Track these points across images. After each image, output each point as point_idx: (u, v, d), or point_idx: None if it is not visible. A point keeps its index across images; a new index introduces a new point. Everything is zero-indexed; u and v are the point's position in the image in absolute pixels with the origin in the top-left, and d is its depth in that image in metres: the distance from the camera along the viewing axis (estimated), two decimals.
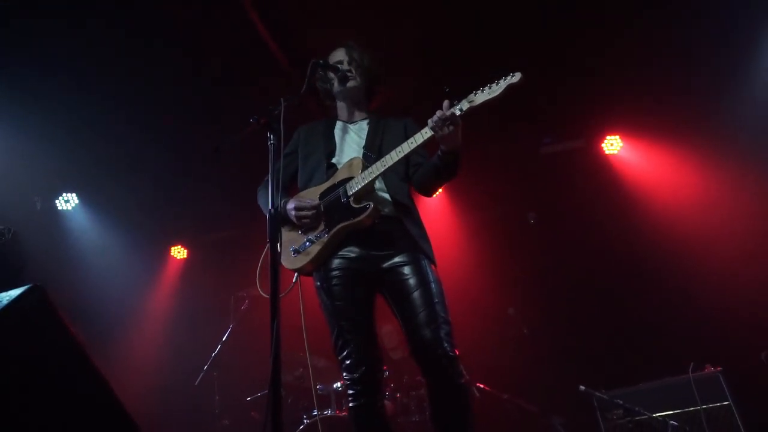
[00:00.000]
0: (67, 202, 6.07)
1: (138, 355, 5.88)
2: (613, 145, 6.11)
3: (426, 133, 2.35)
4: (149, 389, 5.57)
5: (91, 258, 5.94)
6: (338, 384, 4.34)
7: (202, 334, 5.49)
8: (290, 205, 2.54)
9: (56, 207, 6.04)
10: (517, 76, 2.23)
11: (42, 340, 1.01)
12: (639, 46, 5.06)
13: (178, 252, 6.88)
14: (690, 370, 4.05)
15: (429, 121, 2.31)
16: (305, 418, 4.20)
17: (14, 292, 1.03)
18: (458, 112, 2.28)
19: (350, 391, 2.38)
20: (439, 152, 2.40)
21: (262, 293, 2.33)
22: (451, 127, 2.28)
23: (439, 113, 2.28)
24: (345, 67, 2.71)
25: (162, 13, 4.37)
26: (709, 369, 4.07)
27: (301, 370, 4.53)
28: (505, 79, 2.25)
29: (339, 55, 2.76)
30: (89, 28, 4.38)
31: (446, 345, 2.29)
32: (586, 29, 4.92)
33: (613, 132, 6.10)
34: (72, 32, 4.38)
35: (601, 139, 6.12)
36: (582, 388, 4.17)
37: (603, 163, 6.09)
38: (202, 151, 5.10)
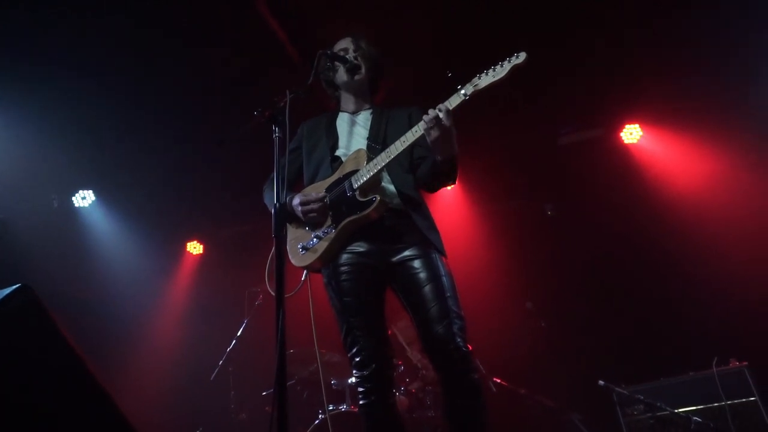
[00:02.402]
0: (84, 199, 6.12)
1: (154, 350, 5.92)
2: (632, 134, 5.96)
3: None
4: (165, 384, 5.62)
5: (108, 254, 5.99)
6: (353, 379, 4.29)
7: (218, 329, 5.52)
8: (296, 201, 2.49)
9: (73, 204, 6.09)
10: (522, 56, 2.13)
11: (31, 341, 0.98)
12: (659, 33, 4.91)
13: (194, 248, 6.91)
14: (714, 364, 3.94)
15: (423, 116, 2.22)
16: (320, 413, 4.18)
17: (1, 292, 1.00)
18: (463, 97, 2.19)
19: (361, 389, 2.33)
20: (436, 160, 2.30)
21: (270, 291, 2.28)
22: (442, 125, 2.17)
23: (431, 111, 2.19)
24: (351, 55, 2.65)
25: (173, 9, 4.36)
26: (734, 363, 3.97)
27: (316, 365, 4.50)
28: (509, 61, 2.15)
29: (344, 44, 2.70)
30: (103, 25, 4.38)
31: (459, 340, 2.23)
32: (604, 16, 4.79)
33: (632, 121, 5.94)
34: (86, 30, 4.39)
35: (620, 128, 5.97)
36: (601, 383, 4.09)
37: (622, 153, 5.95)
38: (216, 147, 5.12)
